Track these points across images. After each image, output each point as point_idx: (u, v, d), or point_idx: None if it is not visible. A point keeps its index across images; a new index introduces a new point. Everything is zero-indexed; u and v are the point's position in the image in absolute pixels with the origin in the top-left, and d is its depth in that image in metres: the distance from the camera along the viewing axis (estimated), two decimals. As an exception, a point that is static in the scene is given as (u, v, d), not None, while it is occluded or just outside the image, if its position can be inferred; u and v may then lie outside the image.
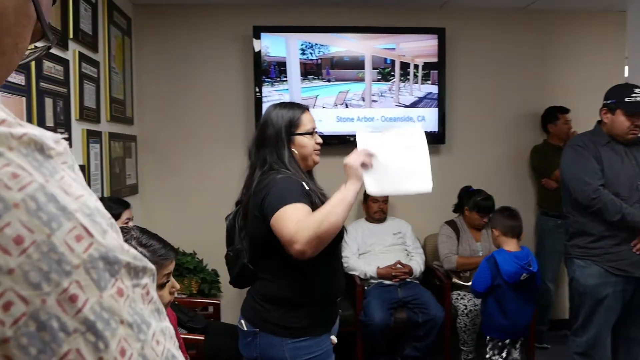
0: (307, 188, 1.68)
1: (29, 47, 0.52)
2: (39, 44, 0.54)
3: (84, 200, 0.39)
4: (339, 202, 1.57)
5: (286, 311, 1.70)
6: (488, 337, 2.93)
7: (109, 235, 0.40)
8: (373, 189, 1.67)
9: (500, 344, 2.89)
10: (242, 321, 1.77)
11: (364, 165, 1.63)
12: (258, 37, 3.66)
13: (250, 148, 1.83)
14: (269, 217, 1.60)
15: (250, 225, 1.74)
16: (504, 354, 2.87)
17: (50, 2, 0.54)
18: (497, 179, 3.93)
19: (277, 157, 1.73)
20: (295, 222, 1.52)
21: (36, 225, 0.35)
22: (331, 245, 1.74)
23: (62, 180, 0.38)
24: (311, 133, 1.81)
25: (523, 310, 2.84)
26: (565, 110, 3.85)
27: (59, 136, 0.40)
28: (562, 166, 2.75)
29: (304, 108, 1.83)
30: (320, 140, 1.84)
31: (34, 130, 0.38)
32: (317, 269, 1.71)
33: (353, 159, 1.64)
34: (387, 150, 1.67)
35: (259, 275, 1.78)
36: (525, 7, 3.88)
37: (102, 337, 0.36)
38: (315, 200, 1.68)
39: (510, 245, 2.83)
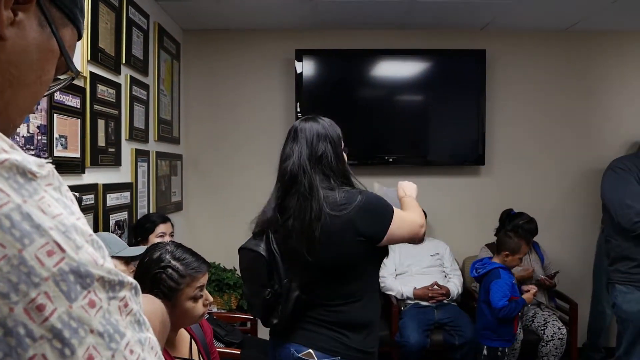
0: None
1: (59, 78, 0.58)
2: (64, 76, 0.59)
3: (60, 218, 0.42)
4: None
5: (367, 334, 1.66)
6: None
7: (83, 251, 0.42)
8: None
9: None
10: (311, 351, 1.61)
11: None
12: (300, 60, 3.78)
13: (303, 164, 1.62)
14: (386, 229, 1.61)
15: (335, 250, 1.59)
16: None
17: (74, 37, 0.57)
18: (538, 201, 3.87)
19: (342, 174, 1.66)
20: (409, 214, 1.72)
21: (8, 241, 0.38)
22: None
23: (42, 200, 0.41)
24: (345, 148, 1.75)
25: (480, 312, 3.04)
26: None
27: (43, 161, 0.44)
28: (603, 189, 2.69)
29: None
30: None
31: (16, 156, 0.41)
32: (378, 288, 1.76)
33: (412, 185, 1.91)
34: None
35: (324, 303, 1.64)
36: (567, 29, 3.85)
37: (68, 344, 0.39)
38: None
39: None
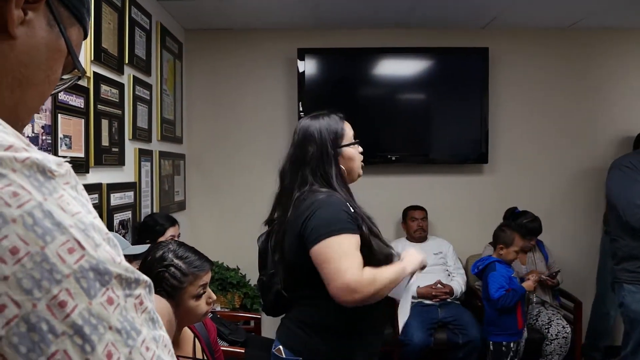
0: (352, 210, 1.54)
1: (63, 78, 0.58)
2: (68, 76, 0.59)
3: (80, 216, 0.42)
4: (400, 277, 1.53)
5: (335, 340, 1.57)
6: None
7: (102, 249, 0.43)
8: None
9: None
10: (280, 347, 1.60)
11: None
12: (302, 59, 3.78)
13: (285, 168, 1.67)
14: (310, 245, 1.46)
15: (288, 250, 1.60)
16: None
17: (81, 36, 0.57)
18: (541, 199, 3.86)
19: (322, 176, 1.59)
20: (351, 265, 1.41)
21: (31, 238, 0.38)
22: None
23: (61, 198, 0.42)
24: (356, 142, 1.69)
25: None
26: None
27: (61, 160, 0.44)
28: (610, 188, 2.64)
29: (341, 116, 1.70)
30: (361, 149, 1.72)
31: (37, 155, 0.42)
32: None
33: (422, 257, 1.65)
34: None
35: (299, 302, 1.64)
36: (570, 26, 3.83)
37: (89, 340, 0.39)
38: (360, 223, 1.54)
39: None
